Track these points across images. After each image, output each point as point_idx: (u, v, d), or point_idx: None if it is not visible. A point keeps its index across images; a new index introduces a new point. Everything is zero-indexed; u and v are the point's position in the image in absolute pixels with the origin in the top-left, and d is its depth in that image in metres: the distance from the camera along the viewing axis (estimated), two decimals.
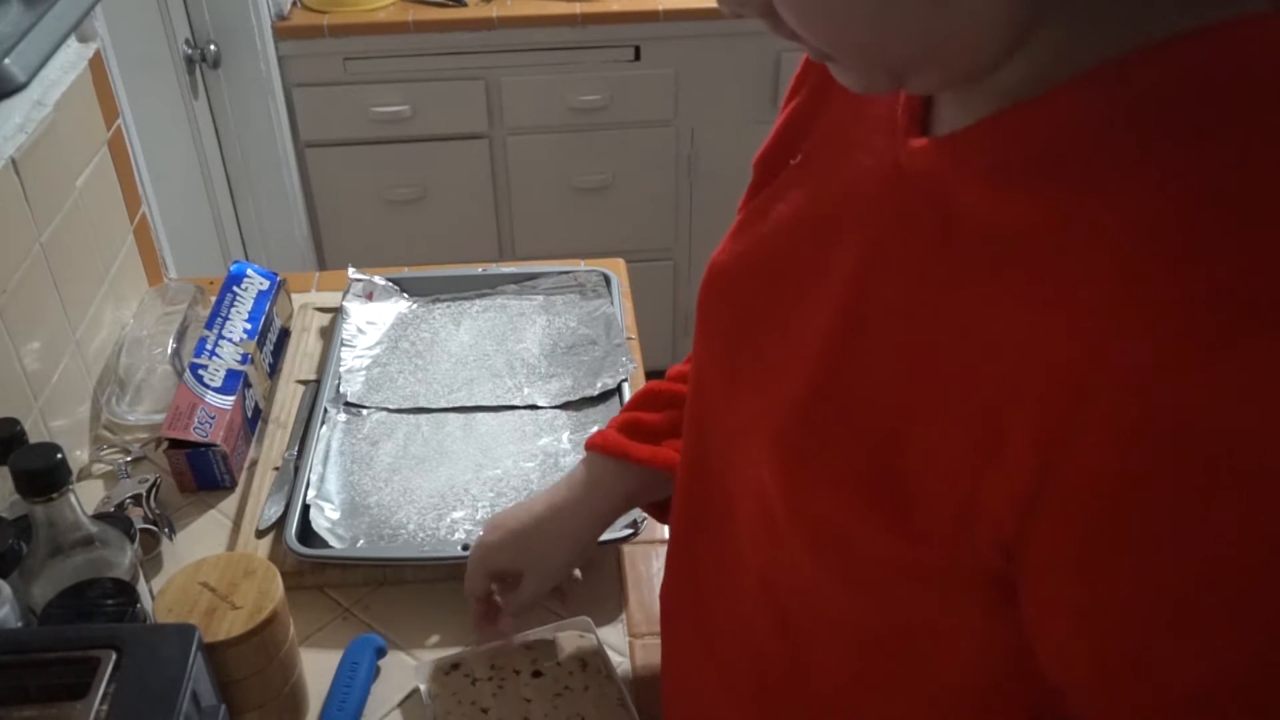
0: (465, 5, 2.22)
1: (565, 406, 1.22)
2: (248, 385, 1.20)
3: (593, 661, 0.91)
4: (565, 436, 1.17)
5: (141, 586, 0.82)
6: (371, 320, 1.33)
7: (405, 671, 0.95)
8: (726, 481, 0.67)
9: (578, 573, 0.95)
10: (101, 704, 0.66)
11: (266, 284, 1.33)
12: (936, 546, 0.51)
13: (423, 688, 0.91)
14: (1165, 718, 0.46)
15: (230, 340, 1.23)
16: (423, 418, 1.21)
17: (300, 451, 1.16)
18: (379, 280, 1.37)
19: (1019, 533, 0.47)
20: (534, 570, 0.88)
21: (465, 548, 1.01)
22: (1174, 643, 0.44)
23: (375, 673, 0.95)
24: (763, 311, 0.63)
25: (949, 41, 0.46)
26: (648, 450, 0.85)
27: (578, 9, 2.20)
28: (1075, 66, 0.46)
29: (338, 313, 1.33)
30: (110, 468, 1.17)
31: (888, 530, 0.52)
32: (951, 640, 0.56)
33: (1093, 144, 0.45)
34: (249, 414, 1.20)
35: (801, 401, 0.57)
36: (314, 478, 1.10)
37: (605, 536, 0.93)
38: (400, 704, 0.93)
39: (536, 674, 0.90)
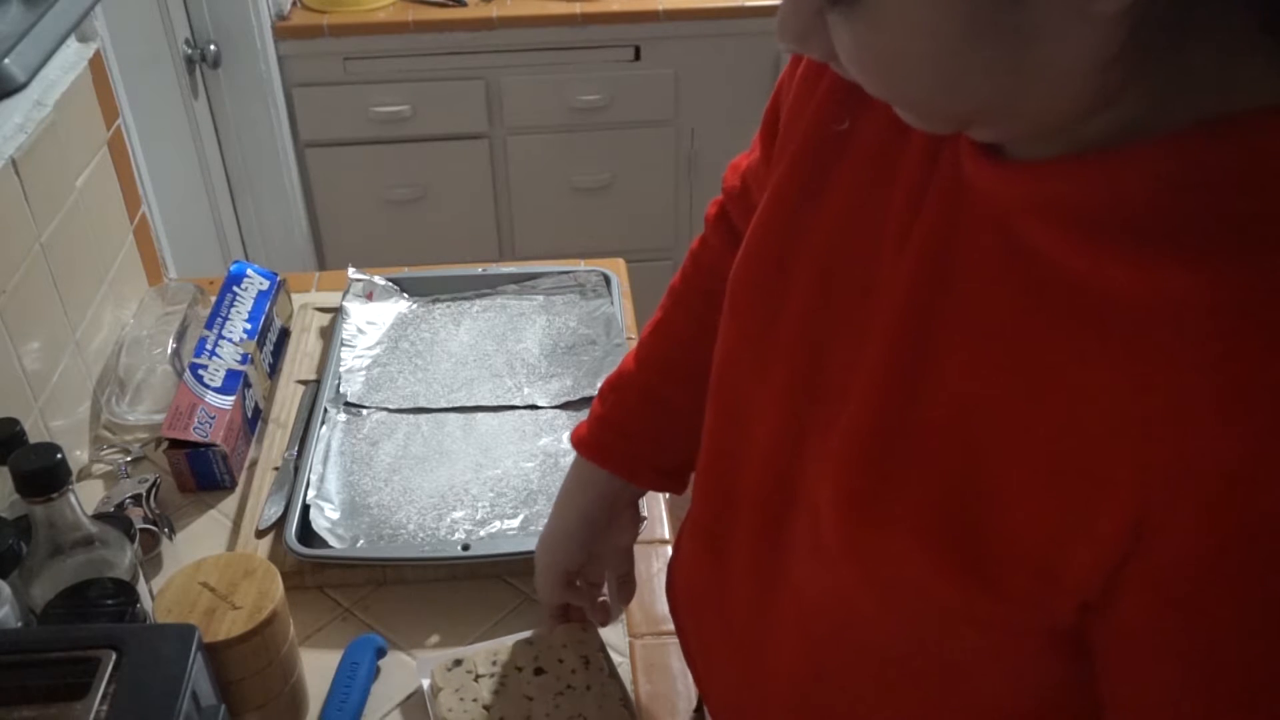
0: (465, 5, 2.22)
1: (565, 406, 1.22)
2: (248, 385, 1.20)
3: (595, 660, 0.91)
4: (565, 436, 1.17)
5: (141, 586, 0.82)
6: (371, 320, 1.33)
7: (405, 671, 0.95)
8: (768, 477, 0.65)
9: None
10: (101, 704, 0.66)
11: (266, 284, 1.33)
12: (1010, 597, 0.50)
13: (425, 683, 0.91)
14: None
15: (230, 340, 1.23)
16: (423, 418, 1.21)
17: (300, 451, 1.16)
18: (379, 280, 1.37)
19: (1103, 598, 0.47)
20: (538, 561, 0.89)
21: (465, 547, 1.01)
22: None
23: (375, 673, 0.94)
24: (808, 308, 0.61)
25: (1021, 102, 0.44)
26: (614, 458, 0.85)
27: (578, 9, 2.20)
28: (1160, 126, 0.44)
29: (338, 313, 1.33)
30: (110, 468, 1.17)
31: (960, 578, 0.51)
32: (987, 675, 0.56)
33: (1179, 210, 0.44)
34: (249, 414, 1.20)
35: (867, 438, 0.55)
36: (314, 478, 1.10)
37: None
38: (400, 704, 0.93)
39: (539, 671, 0.90)
